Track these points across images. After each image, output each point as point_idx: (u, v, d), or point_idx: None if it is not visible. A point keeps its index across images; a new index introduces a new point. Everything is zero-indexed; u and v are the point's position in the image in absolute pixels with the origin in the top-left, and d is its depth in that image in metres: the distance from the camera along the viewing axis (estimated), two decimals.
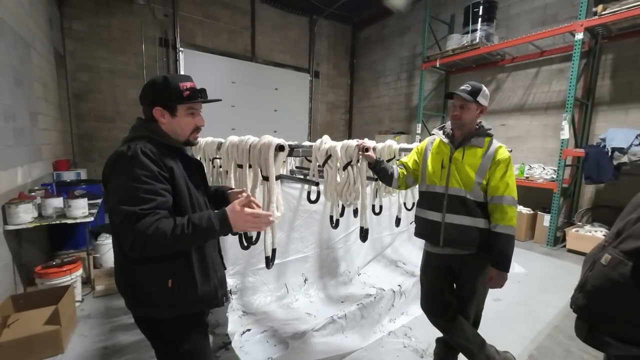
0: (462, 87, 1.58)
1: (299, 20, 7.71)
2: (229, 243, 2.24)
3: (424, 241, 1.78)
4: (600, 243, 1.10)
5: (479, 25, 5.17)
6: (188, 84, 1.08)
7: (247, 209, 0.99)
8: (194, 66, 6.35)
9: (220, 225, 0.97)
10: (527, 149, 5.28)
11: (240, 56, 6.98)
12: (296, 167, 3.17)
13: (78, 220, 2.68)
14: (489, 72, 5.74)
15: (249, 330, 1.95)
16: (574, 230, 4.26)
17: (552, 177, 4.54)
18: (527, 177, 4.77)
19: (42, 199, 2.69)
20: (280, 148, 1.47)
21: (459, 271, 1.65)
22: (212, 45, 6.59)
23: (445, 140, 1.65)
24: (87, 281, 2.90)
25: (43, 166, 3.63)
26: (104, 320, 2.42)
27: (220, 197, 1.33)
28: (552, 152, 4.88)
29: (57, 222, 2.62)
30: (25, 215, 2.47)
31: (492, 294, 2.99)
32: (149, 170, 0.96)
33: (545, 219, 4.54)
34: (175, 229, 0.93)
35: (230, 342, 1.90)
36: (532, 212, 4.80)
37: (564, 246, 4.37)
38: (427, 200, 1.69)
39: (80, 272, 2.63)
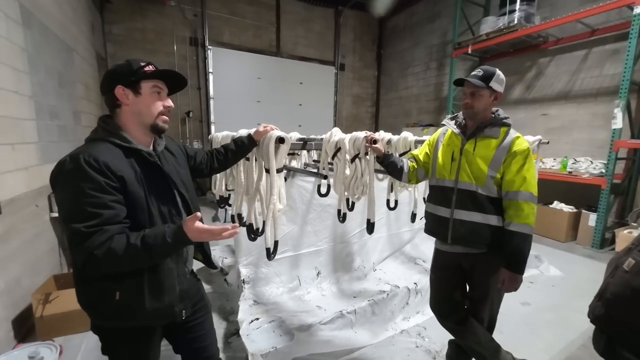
0: (473, 73, 1.45)
1: (324, 12, 7.62)
2: (242, 234, 2.30)
3: None
4: (627, 246, 0.96)
5: (517, 5, 4.73)
6: (148, 63, 1.03)
7: (199, 225, 0.90)
8: (222, 63, 6.56)
9: (174, 241, 0.91)
10: (572, 141, 4.78)
11: (266, 52, 7.08)
12: (313, 161, 3.17)
13: None
14: (528, 57, 5.25)
15: (257, 319, 2.00)
16: (626, 231, 3.78)
17: (601, 172, 4.07)
18: (570, 172, 4.32)
19: None
20: (280, 140, 1.47)
21: (470, 271, 1.55)
22: (238, 42, 6.76)
23: (457, 130, 1.53)
24: None
25: None
26: None
27: (247, 144, 1.48)
28: (602, 143, 4.36)
29: None
30: None
31: (520, 296, 2.80)
32: (94, 182, 0.88)
33: (591, 218, 4.10)
34: (127, 250, 0.88)
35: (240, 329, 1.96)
36: (575, 210, 4.35)
37: (613, 249, 3.91)
38: (437, 195, 1.59)
39: None
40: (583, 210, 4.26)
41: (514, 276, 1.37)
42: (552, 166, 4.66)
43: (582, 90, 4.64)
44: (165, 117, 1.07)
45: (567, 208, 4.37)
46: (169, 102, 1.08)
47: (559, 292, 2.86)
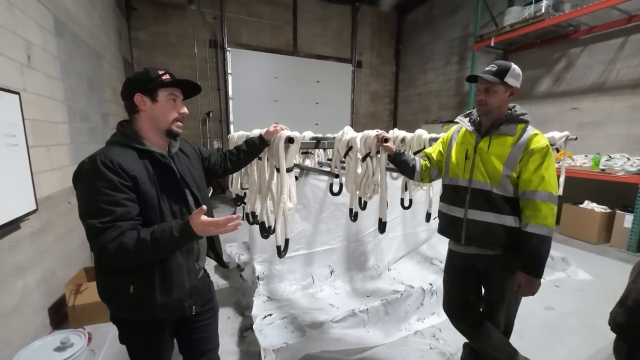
0: (487, 68, 1.40)
1: (340, 9, 7.57)
2: (257, 232, 2.36)
3: None
4: None
5: None
6: (166, 71, 1.09)
7: (204, 218, 0.95)
8: (240, 64, 6.71)
9: (180, 235, 0.95)
10: (606, 136, 4.47)
11: (283, 51, 7.15)
12: (328, 160, 3.17)
13: None
14: (557, 48, 4.95)
15: (270, 315, 2.05)
16: None
17: (639, 169, 3.78)
18: (603, 170, 4.04)
19: None
20: (289, 140, 1.49)
21: (485, 273, 1.50)
22: (256, 42, 6.88)
23: (471, 128, 1.49)
24: None
25: None
26: None
27: (259, 145, 1.51)
28: None
29: None
30: None
31: (543, 300, 2.67)
32: (108, 181, 0.94)
33: (627, 220, 3.82)
34: (137, 244, 0.93)
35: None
36: (608, 210, 4.07)
37: None
38: (450, 194, 1.55)
39: None
40: (618, 211, 3.98)
41: (531, 280, 1.31)
42: (583, 163, 4.38)
43: (618, 82, 4.32)
44: (179, 123, 1.13)
45: (599, 208, 4.10)
46: (184, 109, 1.14)
47: (587, 297, 2.70)
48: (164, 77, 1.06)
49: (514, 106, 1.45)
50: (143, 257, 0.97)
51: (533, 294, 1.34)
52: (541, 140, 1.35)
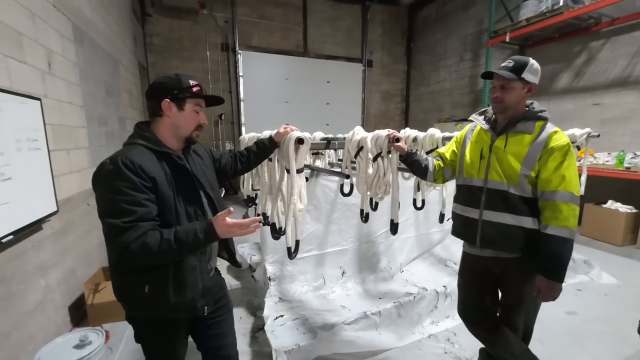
0: (503, 64, 1.35)
1: (351, 9, 7.54)
2: (268, 233, 2.37)
3: None
4: None
5: None
6: (196, 82, 1.13)
7: (229, 220, 0.99)
8: (251, 66, 6.77)
9: (205, 237, 0.99)
10: (631, 133, 4.26)
11: (293, 52, 7.18)
12: (339, 160, 3.16)
13: None
14: (577, 42, 4.76)
15: (282, 316, 2.05)
16: None
17: None
18: (627, 168, 3.85)
19: None
20: (299, 141, 1.48)
21: (502, 276, 1.44)
22: (267, 44, 6.93)
23: (486, 126, 1.44)
24: None
25: None
26: None
27: (268, 146, 1.51)
28: None
29: None
30: None
31: (565, 305, 2.57)
32: (129, 182, 0.96)
33: None
34: (161, 244, 0.95)
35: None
36: (634, 210, 3.88)
37: None
38: (464, 195, 1.51)
39: None
40: None
41: (551, 284, 1.26)
42: (607, 161, 4.19)
43: None
44: (197, 132, 1.17)
45: (624, 208, 3.91)
46: (205, 120, 1.17)
47: (613, 301, 2.57)
48: (194, 89, 1.10)
49: (532, 103, 1.40)
50: (165, 257, 0.99)
51: (554, 299, 1.28)
52: (561, 137, 1.29)
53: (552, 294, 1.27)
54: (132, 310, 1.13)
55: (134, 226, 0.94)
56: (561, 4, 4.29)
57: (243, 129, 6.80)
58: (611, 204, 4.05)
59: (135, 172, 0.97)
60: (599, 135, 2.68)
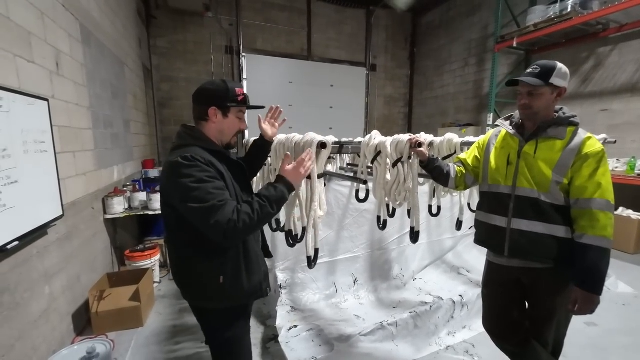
0: (528, 70, 1.30)
1: (355, 13, 7.54)
2: (279, 239, 2.30)
3: None
4: None
5: None
6: (242, 90, 1.19)
7: (288, 166, 1.15)
8: (255, 70, 6.74)
9: (286, 188, 1.11)
10: None
11: (297, 56, 7.16)
12: (348, 165, 3.10)
13: (157, 212, 3.08)
14: (584, 47, 4.75)
15: (295, 326, 1.97)
16: None
17: None
18: (639, 174, 3.81)
19: (130, 193, 3.17)
20: (322, 146, 1.43)
21: (532, 288, 1.38)
22: (271, 48, 6.91)
23: (513, 131, 1.39)
24: (164, 265, 3.33)
25: (134, 165, 4.29)
26: (176, 301, 2.74)
27: (260, 144, 1.49)
28: None
29: (142, 213, 3.06)
30: (118, 207, 2.94)
31: (584, 316, 2.47)
32: (208, 172, 1.05)
33: None
34: (253, 206, 1.03)
35: (278, 336, 1.95)
36: None
37: None
38: (490, 202, 1.45)
39: (158, 257, 3.03)
40: None
41: (589, 297, 1.20)
42: (616, 167, 4.15)
43: None
44: (236, 137, 1.25)
45: (636, 215, 3.86)
46: (245, 126, 1.26)
47: (632, 312, 2.51)
48: (240, 99, 1.18)
49: (562, 108, 1.35)
50: (263, 217, 1.05)
51: (592, 312, 1.22)
52: (596, 144, 1.24)
53: (591, 307, 1.21)
54: (206, 302, 1.17)
55: (227, 203, 1.02)
56: (569, 9, 4.28)
57: (247, 133, 6.74)
58: (622, 211, 4.00)
59: (208, 165, 1.07)
60: (615, 142, 2.65)
